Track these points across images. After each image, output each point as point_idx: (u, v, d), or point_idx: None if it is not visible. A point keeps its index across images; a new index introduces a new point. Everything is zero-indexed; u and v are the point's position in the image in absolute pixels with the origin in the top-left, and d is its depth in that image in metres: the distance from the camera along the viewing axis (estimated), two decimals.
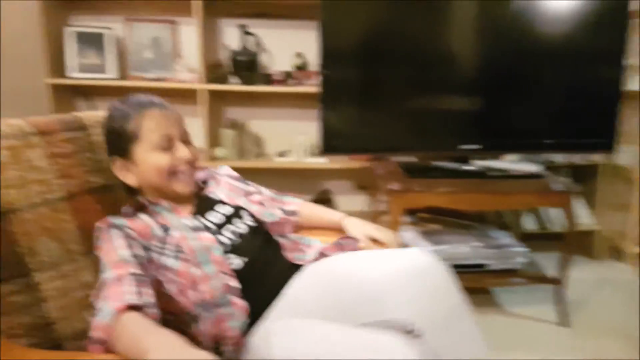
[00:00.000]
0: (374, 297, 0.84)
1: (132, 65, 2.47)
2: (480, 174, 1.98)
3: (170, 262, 0.98)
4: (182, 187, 1.07)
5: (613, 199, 2.58)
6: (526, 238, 2.29)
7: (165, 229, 1.03)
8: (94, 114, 1.23)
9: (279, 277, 1.02)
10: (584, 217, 2.61)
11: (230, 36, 2.51)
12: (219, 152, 2.49)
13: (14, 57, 2.15)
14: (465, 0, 1.91)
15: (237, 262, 1.03)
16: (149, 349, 0.67)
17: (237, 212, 1.14)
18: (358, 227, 1.22)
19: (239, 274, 1.00)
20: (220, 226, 1.08)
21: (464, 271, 2.00)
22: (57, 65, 2.39)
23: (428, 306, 0.85)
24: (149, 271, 0.94)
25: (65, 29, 2.38)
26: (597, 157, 2.56)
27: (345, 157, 2.50)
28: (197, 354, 0.65)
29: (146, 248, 0.98)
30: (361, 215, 1.32)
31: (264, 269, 1.05)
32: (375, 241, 1.19)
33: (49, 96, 2.35)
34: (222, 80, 2.43)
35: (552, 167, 2.46)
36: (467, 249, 2.03)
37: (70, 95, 2.54)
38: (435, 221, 2.34)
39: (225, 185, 1.23)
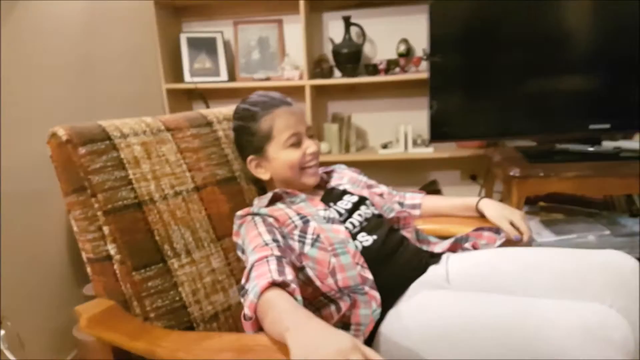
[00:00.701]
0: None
1: (240, 67, 2.58)
2: (612, 156, 1.80)
3: (309, 250, 1.00)
4: (310, 179, 1.15)
5: None
6: None
7: (303, 218, 1.05)
8: (217, 111, 1.29)
9: (408, 257, 1.06)
10: None
11: (335, 29, 2.51)
12: (322, 146, 2.51)
13: (134, 65, 2.33)
14: None
15: (366, 239, 1.06)
16: (288, 326, 0.67)
17: (363, 200, 1.16)
18: (497, 209, 1.16)
19: (369, 250, 1.03)
20: (349, 212, 1.11)
21: None
22: (173, 70, 2.56)
23: None
24: (289, 256, 0.97)
25: (180, 36, 2.54)
26: None
27: (455, 143, 2.40)
28: (336, 334, 0.64)
29: (285, 236, 1.02)
30: None
31: (393, 248, 1.07)
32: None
33: (167, 100, 2.53)
34: (326, 74, 2.44)
35: None
36: (595, 238, 1.87)
37: (185, 98, 2.71)
38: (558, 210, 2.16)
39: (348, 177, 1.26)
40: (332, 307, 0.97)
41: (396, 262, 1.05)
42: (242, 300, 0.86)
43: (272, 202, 1.12)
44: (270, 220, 1.03)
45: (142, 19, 2.39)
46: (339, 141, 2.51)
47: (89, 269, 1.04)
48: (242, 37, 2.57)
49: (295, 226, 1.03)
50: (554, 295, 0.89)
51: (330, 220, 1.06)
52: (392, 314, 0.95)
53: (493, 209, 1.17)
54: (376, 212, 1.14)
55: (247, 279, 0.88)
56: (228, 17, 2.60)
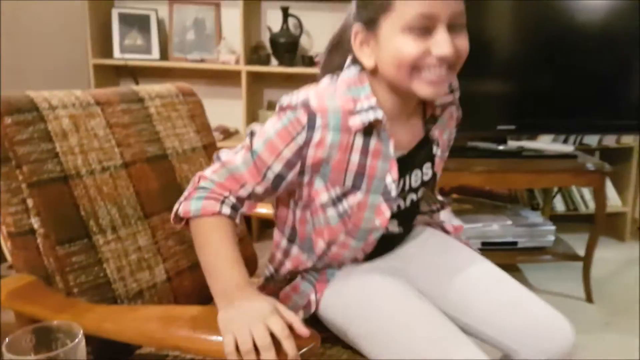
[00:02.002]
0: None
1: (174, 46, 2.54)
2: (515, 154, 2.02)
3: (331, 213, 0.87)
4: (425, 89, 0.78)
5: None
6: (556, 219, 2.36)
7: (359, 177, 0.84)
8: (150, 88, 1.29)
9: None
10: (613, 199, 2.66)
11: (272, 18, 2.54)
12: None
13: (62, 37, 2.24)
14: None
15: (394, 229, 0.98)
16: (218, 294, 0.72)
17: (429, 182, 0.98)
18: None
19: (385, 239, 0.95)
20: (410, 191, 0.94)
21: (495, 248, 2.07)
22: (103, 45, 2.47)
23: None
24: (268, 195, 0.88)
25: (112, 11, 2.46)
26: (629, 140, 2.58)
27: None
28: (258, 300, 0.69)
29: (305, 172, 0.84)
30: None
31: (400, 238, 1.02)
32: None
33: (93, 76, 2.44)
34: (263, 61, 2.47)
35: (584, 150, 2.50)
36: (498, 227, 2.08)
37: (114, 75, 2.63)
38: (468, 202, 2.36)
39: (449, 132, 1.03)
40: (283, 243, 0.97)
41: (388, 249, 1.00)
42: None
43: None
44: (315, 140, 0.79)
45: None
46: None
47: (9, 244, 1.02)
48: (178, 17, 2.53)
49: (343, 180, 0.84)
50: (484, 331, 0.92)
51: (386, 196, 0.87)
52: (335, 285, 0.93)
53: None
54: (420, 196, 0.99)
55: (203, 178, 0.87)
56: None
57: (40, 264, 0.98)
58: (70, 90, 1.13)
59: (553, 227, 2.10)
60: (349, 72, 0.85)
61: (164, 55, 2.53)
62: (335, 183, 0.84)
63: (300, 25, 2.49)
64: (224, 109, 2.62)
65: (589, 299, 2.04)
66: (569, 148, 2.12)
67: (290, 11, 2.43)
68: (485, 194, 2.32)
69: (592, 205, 2.61)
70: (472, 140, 2.10)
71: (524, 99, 2.00)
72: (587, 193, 2.65)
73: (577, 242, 2.26)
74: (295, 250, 0.97)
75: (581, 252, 2.07)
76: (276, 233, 1.01)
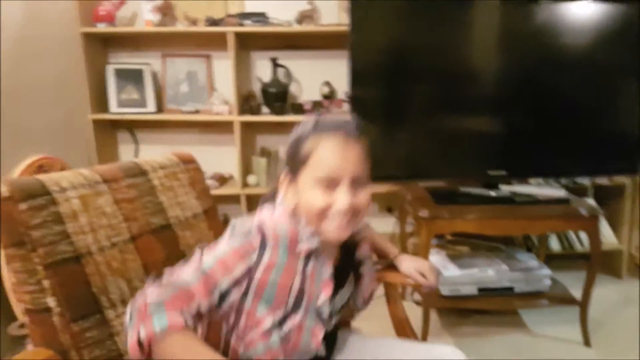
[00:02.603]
0: None
1: (168, 98, 2.62)
2: (508, 200, 2.04)
3: (273, 334, 0.94)
4: (330, 233, 0.93)
5: (638, 219, 2.62)
6: (552, 258, 2.35)
7: (299, 299, 0.95)
8: (152, 160, 1.35)
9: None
10: (608, 236, 2.66)
11: (262, 68, 2.64)
12: (251, 179, 2.60)
13: (61, 94, 2.31)
14: (488, 29, 1.99)
15: (321, 351, 1.04)
16: None
17: (351, 297, 1.13)
18: (411, 264, 1.28)
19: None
20: (336, 313, 1.07)
21: (491, 294, 2.08)
22: (99, 100, 2.55)
23: None
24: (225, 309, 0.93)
25: (107, 67, 2.54)
26: (622, 178, 2.60)
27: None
28: None
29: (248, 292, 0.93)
30: (390, 237, 1.39)
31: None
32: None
33: (93, 130, 2.50)
34: (255, 111, 2.55)
35: (577, 188, 2.52)
36: (494, 272, 2.10)
37: (110, 128, 2.69)
38: (463, 243, 2.41)
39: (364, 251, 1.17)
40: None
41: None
42: (130, 311, 0.85)
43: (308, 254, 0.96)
44: (255, 274, 0.91)
45: (70, 49, 2.37)
46: (267, 174, 2.62)
47: (27, 319, 1.06)
48: (171, 70, 2.62)
49: (286, 302, 0.94)
50: None
51: (320, 316, 0.98)
52: None
53: (406, 264, 1.30)
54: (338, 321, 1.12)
55: (163, 290, 0.86)
56: (156, 50, 2.64)
57: (57, 340, 1.03)
58: (78, 170, 1.20)
59: (549, 272, 2.12)
60: (286, 205, 0.98)
61: (159, 107, 2.61)
62: (279, 305, 0.93)
63: (289, 74, 2.58)
64: (218, 156, 2.69)
65: (587, 342, 2.03)
66: (560, 192, 2.13)
67: (279, 61, 2.53)
68: (479, 235, 2.35)
69: (587, 243, 2.54)
70: (464, 186, 2.15)
71: (513, 144, 2.04)
72: (581, 232, 2.63)
73: (574, 281, 2.27)
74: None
75: (578, 291, 2.06)
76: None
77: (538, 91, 2.02)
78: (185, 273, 0.90)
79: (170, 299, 0.85)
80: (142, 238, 1.22)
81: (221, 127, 2.61)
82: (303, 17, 2.48)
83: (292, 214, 0.96)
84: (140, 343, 0.81)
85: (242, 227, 0.94)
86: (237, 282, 0.90)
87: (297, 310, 0.95)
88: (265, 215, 0.97)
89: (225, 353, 0.99)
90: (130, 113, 2.52)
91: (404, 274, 1.28)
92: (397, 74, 2.01)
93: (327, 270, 0.99)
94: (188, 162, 1.45)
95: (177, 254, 1.25)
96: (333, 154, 0.91)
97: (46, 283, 1.03)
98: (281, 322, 0.94)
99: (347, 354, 1.19)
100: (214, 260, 0.90)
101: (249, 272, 0.91)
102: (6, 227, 1.03)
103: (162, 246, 1.25)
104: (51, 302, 1.03)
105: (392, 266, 1.33)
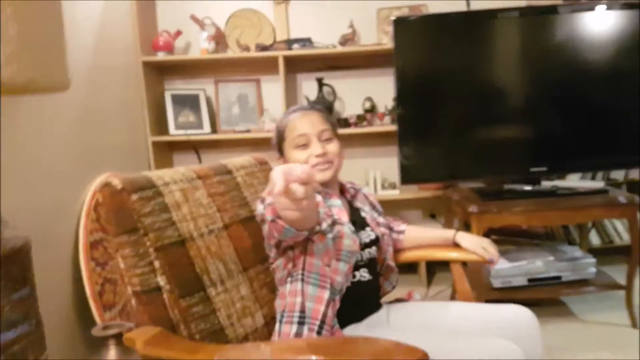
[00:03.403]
0: None
1: (222, 120, 2.81)
2: (550, 193, 2.16)
3: (330, 236, 1.16)
4: (318, 176, 1.24)
5: None
6: (593, 253, 2.42)
7: (334, 217, 1.21)
8: (235, 161, 1.51)
9: (371, 304, 1.32)
10: None
11: (308, 88, 2.82)
12: None
13: (124, 119, 2.51)
14: (518, 44, 2.18)
15: (364, 275, 1.26)
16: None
17: (376, 241, 1.33)
18: (471, 240, 1.40)
19: (360, 285, 1.24)
20: (364, 246, 1.28)
21: (540, 284, 2.17)
22: (158, 124, 2.75)
23: None
24: None
25: (165, 93, 2.75)
26: None
27: (417, 186, 2.72)
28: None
29: None
30: None
31: (371, 291, 1.31)
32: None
33: (152, 151, 2.70)
34: None
35: (610, 184, 2.62)
36: (542, 263, 2.20)
37: (167, 149, 2.89)
38: (508, 242, 2.50)
39: (369, 207, 1.42)
40: (299, 286, 1.18)
41: (363, 304, 1.27)
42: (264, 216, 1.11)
43: None
44: None
45: (131, 77, 2.59)
46: None
47: (133, 301, 1.20)
48: (223, 94, 2.82)
49: (329, 215, 1.20)
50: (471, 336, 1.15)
51: (353, 232, 1.21)
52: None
53: (468, 240, 1.42)
54: (376, 254, 1.32)
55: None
56: (208, 76, 2.85)
57: (166, 316, 1.16)
58: (176, 168, 1.36)
59: (593, 260, 2.21)
60: None
61: (213, 128, 2.80)
62: (325, 217, 1.19)
63: (333, 92, 2.76)
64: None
65: (634, 324, 2.12)
66: (599, 184, 2.26)
67: (324, 81, 2.71)
68: (522, 233, 2.45)
69: (625, 236, 2.71)
70: (507, 183, 2.27)
71: (553, 142, 2.19)
72: (619, 225, 2.74)
73: (616, 274, 2.34)
74: (310, 288, 1.17)
75: (621, 282, 2.17)
76: (286, 286, 1.21)
77: (571, 95, 2.17)
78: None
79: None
80: (233, 227, 1.36)
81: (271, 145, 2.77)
82: (345, 40, 2.66)
83: None
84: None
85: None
86: None
87: (339, 222, 1.20)
88: None
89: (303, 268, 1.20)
90: (188, 134, 2.72)
91: (467, 250, 1.39)
92: (439, 89, 2.20)
93: (337, 201, 1.27)
94: (263, 163, 1.61)
95: (260, 243, 1.38)
96: (299, 120, 1.28)
97: (157, 264, 1.17)
98: (331, 226, 1.18)
99: (407, 316, 1.31)
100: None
101: None
102: (119, 216, 1.18)
103: (249, 234, 1.39)
104: (162, 280, 1.17)
105: (454, 246, 1.45)
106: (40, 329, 0.63)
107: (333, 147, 1.29)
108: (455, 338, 1.10)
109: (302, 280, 1.19)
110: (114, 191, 1.19)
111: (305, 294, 1.18)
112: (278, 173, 0.82)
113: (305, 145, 1.27)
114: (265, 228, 1.20)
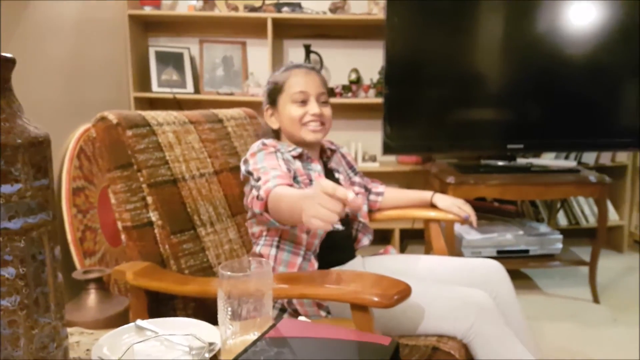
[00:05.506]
0: None
1: (205, 82, 2.79)
2: (525, 169, 2.26)
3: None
4: (309, 135, 1.29)
5: (638, 198, 2.87)
6: (559, 233, 2.54)
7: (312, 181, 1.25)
8: (225, 111, 1.53)
9: (347, 251, 1.37)
10: (610, 213, 2.88)
11: (295, 55, 2.82)
12: None
13: (108, 74, 2.47)
14: (507, 25, 2.24)
15: (339, 227, 1.28)
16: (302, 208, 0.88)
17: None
18: (448, 200, 1.47)
19: (337, 233, 1.24)
20: None
21: (509, 256, 2.28)
22: (141, 80, 2.72)
23: None
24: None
25: (149, 49, 2.72)
26: (623, 159, 2.84)
27: (396, 160, 2.78)
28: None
29: (295, 177, 1.24)
30: None
31: (344, 239, 1.36)
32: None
33: (134, 108, 2.67)
34: None
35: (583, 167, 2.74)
36: (512, 236, 2.31)
37: (149, 107, 2.86)
38: (481, 217, 2.59)
39: (344, 166, 1.48)
40: (273, 251, 1.24)
41: (339, 250, 1.32)
42: (254, 190, 1.11)
43: (297, 156, 1.29)
44: (288, 157, 1.23)
45: (117, 31, 2.54)
46: None
47: (123, 236, 1.21)
48: (207, 55, 2.80)
49: (308, 181, 1.27)
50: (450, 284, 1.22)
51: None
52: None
53: (444, 200, 1.49)
54: (349, 212, 1.38)
55: (264, 178, 1.11)
56: (194, 35, 2.82)
57: (156, 251, 1.19)
58: (168, 111, 1.37)
59: (560, 236, 2.33)
60: (269, 140, 1.29)
61: (196, 89, 2.78)
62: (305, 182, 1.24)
63: (320, 60, 2.77)
64: None
65: (596, 300, 2.23)
66: (572, 163, 2.38)
67: (311, 48, 2.72)
68: (494, 210, 2.55)
69: (592, 219, 2.86)
70: (485, 159, 2.36)
71: (530, 121, 2.29)
72: (586, 208, 2.88)
73: (580, 254, 2.45)
74: (284, 255, 1.23)
75: (585, 259, 2.29)
76: (259, 246, 1.25)
77: (548, 77, 2.26)
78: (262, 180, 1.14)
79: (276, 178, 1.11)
80: (223, 174, 1.39)
81: (256, 108, 2.77)
82: (335, 7, 2.68)
83: (276, 133, 1.35)
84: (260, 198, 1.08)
85: (256, 147, 1.25)
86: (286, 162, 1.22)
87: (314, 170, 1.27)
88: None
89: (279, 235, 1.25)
90: (170, 93, 2.69)
91: (444, 209, 1.46)
92: (424, 66, 2.26)
93: (317, 166, 1.31)
94: (253, 117, 1.63)
95: None
96: (302, 77, 1.30)
97: (149, 199, 1.19)
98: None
99: (382, 264, 1.38)
100: (264, 169, 1.15)
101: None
102: (114, 150, 1.19)
103: (238, 183, 1.41)
104: (154, 216, 1.19)
105: (431, 206, 1.51)
106: (55, 222, 0.65)
107: (328, 111, 1.32)
108: (425, 283, 1.16)
109: (278, 247, 1.23)
110: (109, 125, 1.20)
111: (278, 260, 1.23)
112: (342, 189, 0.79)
113: (303, 102, 1.28)
114: (247, 188, 1.24)
